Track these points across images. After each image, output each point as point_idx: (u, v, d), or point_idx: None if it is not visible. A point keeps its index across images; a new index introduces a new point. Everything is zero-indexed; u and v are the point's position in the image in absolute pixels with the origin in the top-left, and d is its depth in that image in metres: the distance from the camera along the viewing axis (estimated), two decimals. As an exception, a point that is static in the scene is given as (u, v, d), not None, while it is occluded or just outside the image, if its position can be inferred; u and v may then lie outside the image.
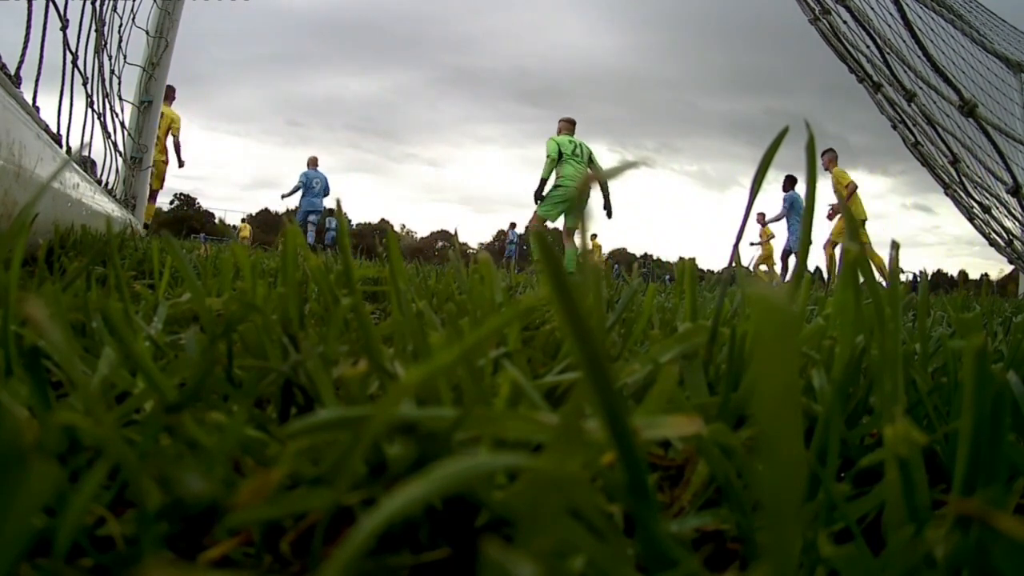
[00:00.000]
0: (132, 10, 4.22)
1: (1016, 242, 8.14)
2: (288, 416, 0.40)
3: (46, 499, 0.19)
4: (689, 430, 0.28)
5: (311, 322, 0.57)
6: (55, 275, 0.76)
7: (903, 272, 0.50)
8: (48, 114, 2.00)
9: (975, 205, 7.61)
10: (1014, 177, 5.32)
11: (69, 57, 2.48)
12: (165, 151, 6.73)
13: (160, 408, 0.31)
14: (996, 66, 8.42)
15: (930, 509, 0.30)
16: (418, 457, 0.28)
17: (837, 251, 7.63)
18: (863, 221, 7.65)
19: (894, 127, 7.79)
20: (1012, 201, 5.87)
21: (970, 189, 7.22)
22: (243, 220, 28.45)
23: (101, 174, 3.70)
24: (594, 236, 20.63)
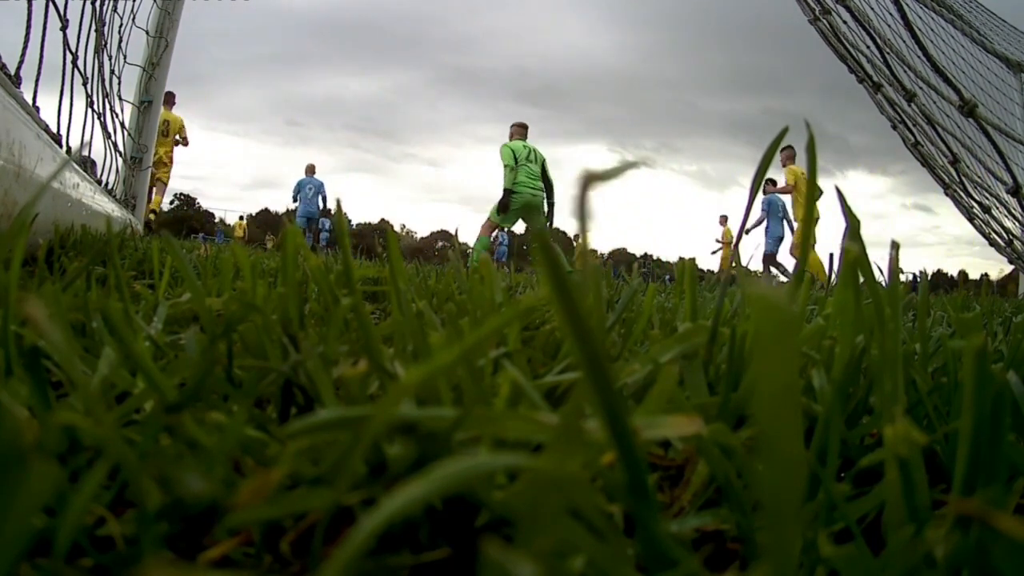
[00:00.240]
0: (132, 10, 4.22)
1: (1016, 242, 8.14)
2: (288, 416, 0.40)
3: (46, 499, 0.19)
4: (689, 430, 0.28)
5: (311, 322, 0.57)
6: (55, 275, 0.76)
7: (903, 272, 0.50)
8: (48, 114, 2.00)
9: (975, 205, 7.61)
10: (1014, 177, 5.32)
11: (69, 57, 2.48)
12: (172, 155, 7.27)
13: (160, 408, 0.31)
14: (996, 66, 8.42)
15: (930, 509, 0.30)
16: (418, 457, 0.28)
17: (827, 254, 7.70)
18: (815, 220, 7.73)
19: (894, 127, 7.79)
20: (1012, 201, 5.87)
21: (970, 189, 7.22)
22: (240, 218, 28.47)
23: (101, 174, 3.70)
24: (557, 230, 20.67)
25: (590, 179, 0.20)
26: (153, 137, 5.20)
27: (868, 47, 5.91)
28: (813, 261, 7.19)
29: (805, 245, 0.42)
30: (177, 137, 7.41)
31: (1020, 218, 6.92)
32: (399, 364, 0.39)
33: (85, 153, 3.00)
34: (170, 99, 7.20)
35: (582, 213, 0.20)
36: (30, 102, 1.78)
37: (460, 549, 0.29)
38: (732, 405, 0.40)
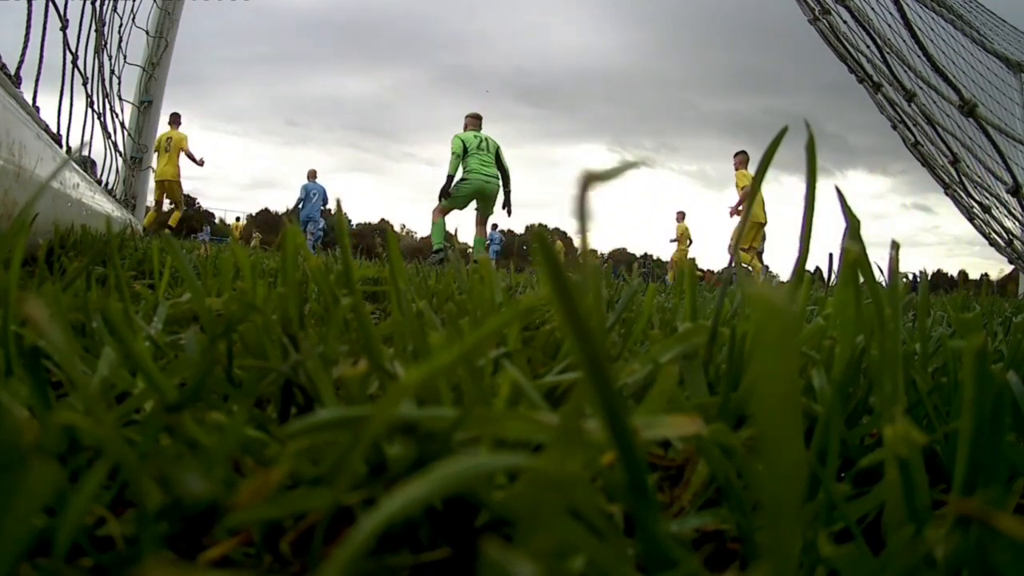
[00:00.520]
0: (132, 10, 4.22)
1: (1016, 242, 8.14)
2: (288, 416, 0.40)
3: (46, 499, 0.19)
4: (689, 430, 0.28)
5: (311, 322, 0.57)
6: (55, 275, 0.76)
7: (903, 272, 0.50)
8: (48, 114, 2.00)
9: (975, 205, 7.61)
10: (1014, 177, 5.32)
11: (69, 57, 2.48)
12: (178, 170, 7.81)
13: (160, 408, 0.31)
14: (996, 66, 8.42)
15: (930, 509, 0.30)
16: (418, 457, 0.28)
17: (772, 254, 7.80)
18: (761, 224, 7.81)
19: (894, 127, 7.80)
20: (1012, 201, 5.87)
21: (970, 189, 7.22)
22: (237, 219, 28.48)
23: (101, 174, 3.70)
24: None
25: (590, 179, 0.20)
26: (154, 137, 5.21)
27: (868, 47, 5.91)
28: (752, 262, 7.29)
29: (805, 245, 0.42)
30: (197, 158, 7.99)
31: (1020, 218, 6.92)
32: (399, 364, 0.39)
33: (85, 153, 3.00)
34: (176, 119, 7.88)
35: (582, 213, 0.20)
36: (30, 102, 1.78)
37: (460, 549, 0.29)
38: (732, 405, 0.40)
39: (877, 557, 0.27)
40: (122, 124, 4.28)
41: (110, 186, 3.83)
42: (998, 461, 0.27)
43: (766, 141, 0.40)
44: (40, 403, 0.33)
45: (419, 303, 0.54)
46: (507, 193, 6.29)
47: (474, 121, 6.40)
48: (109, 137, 3.79)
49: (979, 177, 6.90)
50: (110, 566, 0.27)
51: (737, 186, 7.81)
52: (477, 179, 6.06)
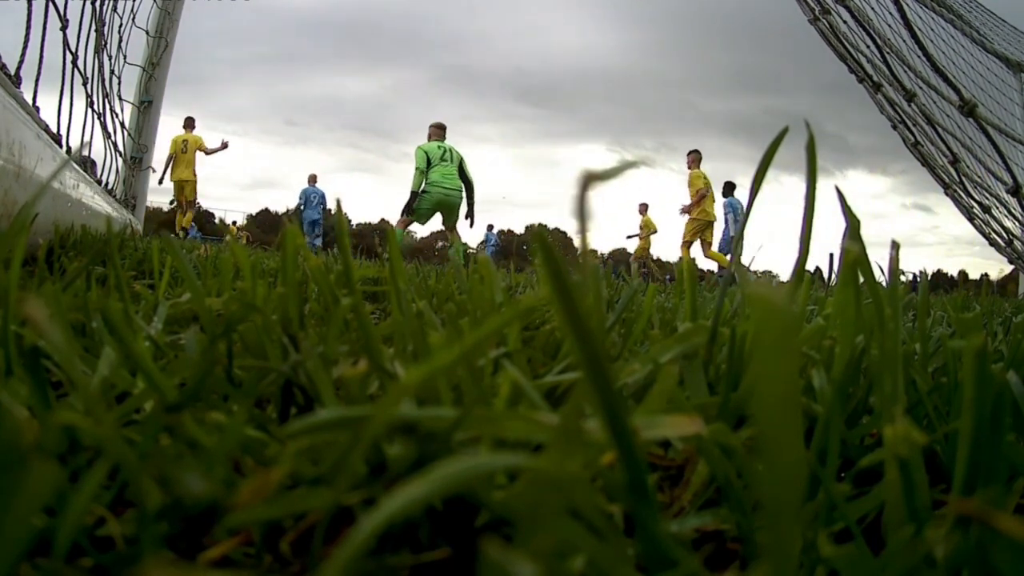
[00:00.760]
0: (132, 10, 4.23)
1: (1016, 242, 8.14)
2: (288, 416, 0.40)
3: (46, 499, 0.19)
4: (689, 430, 0.28)
5: (311, 322, 0.57)
6: (55, 275, 0.76)
7: (903, 272, 0.50)
8: (48, 114, 2.00)
9: (975, 205, 7.61)
10: (1014, 177, 5.32)
11: (69, 57, 2.48)
12: (194, 170, 8.39)
13: (160, 408, 0.31)
14: (996, 66, 8.42)
15: (930, 509, 0.30)
16: (418, 457, 0.28)
17: (707, 251, 7.86)
18: (710, 223, 7.86)
19: (894, 127, 7.80)
20: (1012, 201, 5.87)
21: (970, 189, 7.22)
22: (234, 222, 28.59)
23: (101, 174, 3.70)
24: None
25: (590, 179, 0.20)
26: (154, 137, 5.21)
27: (868, 47, 5.92)
28: (717, 258, 7.52)
29: (805, 245, 0.42)
30: (218, 145, 8.63)
31: (1020, 218, 6.92)
32: (399, 364, 0.39)
33: (85, 153, 3.00)
34: (190, 123, 8.52)
35: (582, 213, 0.20)
36: (30, 102, 1.78)
37: (460, 549, 0.29)
38: (732, 405, 0.40)
39: (877, 557, 0.27)
40: (122, 124, 4.28)
41: (110, 186, 3.83)
42: (998, 461, 0.27)
43: (766, 141, 0.40)
44: (40, 403, 0.33)
45: (419, 303, 0.54)
46: (471, 204, 6.26)
47: (438, 131, 6.32)
48: (109, 137, 3.80)
49: (979, 177, 6.90)
50: (110, 566, 0.27)
51: (690, 185, 7.84)
52: (437, 192, 6.02)
